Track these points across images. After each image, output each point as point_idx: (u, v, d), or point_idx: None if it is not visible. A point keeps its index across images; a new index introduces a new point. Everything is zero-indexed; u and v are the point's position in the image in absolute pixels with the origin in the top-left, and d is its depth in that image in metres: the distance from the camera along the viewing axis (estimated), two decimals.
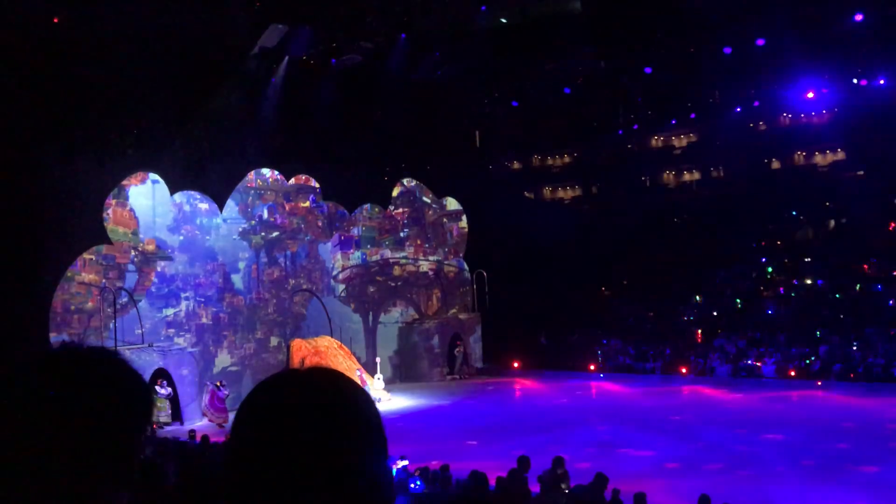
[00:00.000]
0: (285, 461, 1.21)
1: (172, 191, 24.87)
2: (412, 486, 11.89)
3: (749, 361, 26.11)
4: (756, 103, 33.90)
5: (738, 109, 34.38)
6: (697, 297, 30.92)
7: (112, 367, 1.42)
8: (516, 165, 42.61)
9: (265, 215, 27.60)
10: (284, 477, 1.21)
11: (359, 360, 27.67)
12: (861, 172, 34.64)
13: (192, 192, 25.58)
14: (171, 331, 24.64)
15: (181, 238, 25.27)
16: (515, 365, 30.22)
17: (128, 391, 1.41)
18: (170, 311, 24.77)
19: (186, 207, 25.50)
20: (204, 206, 25.90)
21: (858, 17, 25.41)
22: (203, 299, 25.59)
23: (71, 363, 1.39)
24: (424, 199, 31.92)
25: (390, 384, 26.93)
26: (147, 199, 24.57)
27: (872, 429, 18.19)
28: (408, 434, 20.29)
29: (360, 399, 1.32)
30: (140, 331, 23.53)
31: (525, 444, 18.19)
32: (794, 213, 33.98)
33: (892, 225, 30.86)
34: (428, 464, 13.71)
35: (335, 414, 1.26)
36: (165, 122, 23.93)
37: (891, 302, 27.18)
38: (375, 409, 1.34)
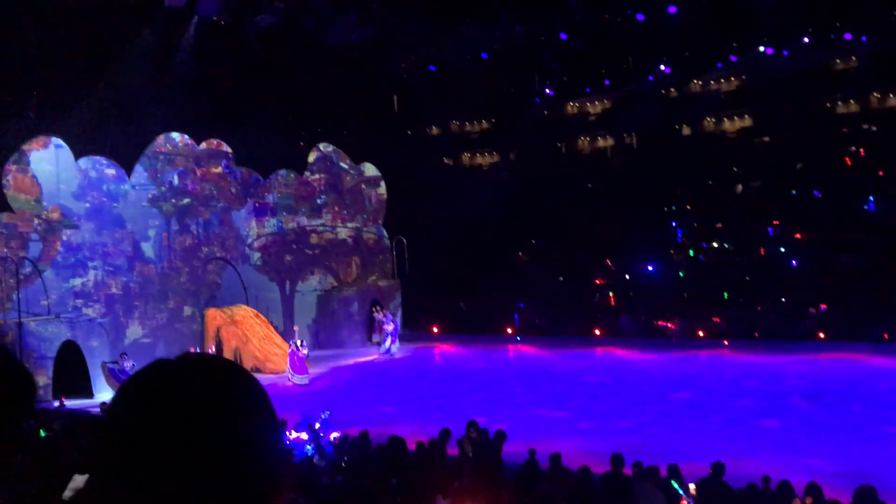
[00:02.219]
0: (157, 443, 1.17)
1: (77, 156, 23.93)
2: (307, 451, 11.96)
3: (659, 322, 26.92)
4: (667, 70, 34.56)
5: (651, 78, 35.02)
6: (609, 261, 31.60)
7: None
8: (435, 131, 42.49)
9: (175, 181, 26.82)
10: (155, 460, 1.17)
11: (276, 328, 27.38)
12: (767, 139, 35.80)
13: (98, 158, 24.65)
14: (79, 301, 23.82)
15: (87, 206, 24.36)
16: (435, 330, 30.43)
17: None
18: (77, 281, 23.94)
19: (92, 173, 24.57)
20: (111, 171, 25.01)
21: None
22: (112, 268, 24.80)
23: None
24: (342, 164, 31.54)
25: (309, 352, 26.68)
26: (50, 164, 23.55)
27: (773, 386, 19.04)
28: (326, 401, 20.26)
29: (237, 381, 1.28)
30: (46, 302, 22.70)
31: (443, 407, 18.43)
32: (703, 177, 34.90)
33: (793, 190, 32.02)
34: (346, 430, 13.74)
35: (209, 397, 1.23)
36: (68, 83, 22.90)
37: (793, 263, 28.32)
38: (258, 391, 1.30)
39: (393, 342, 27.33)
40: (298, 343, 23.58)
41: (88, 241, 24.26)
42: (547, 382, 21.30)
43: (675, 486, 9.35)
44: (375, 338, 28.84)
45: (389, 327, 27.55)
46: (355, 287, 30.71)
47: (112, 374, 22.01)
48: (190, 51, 25.66)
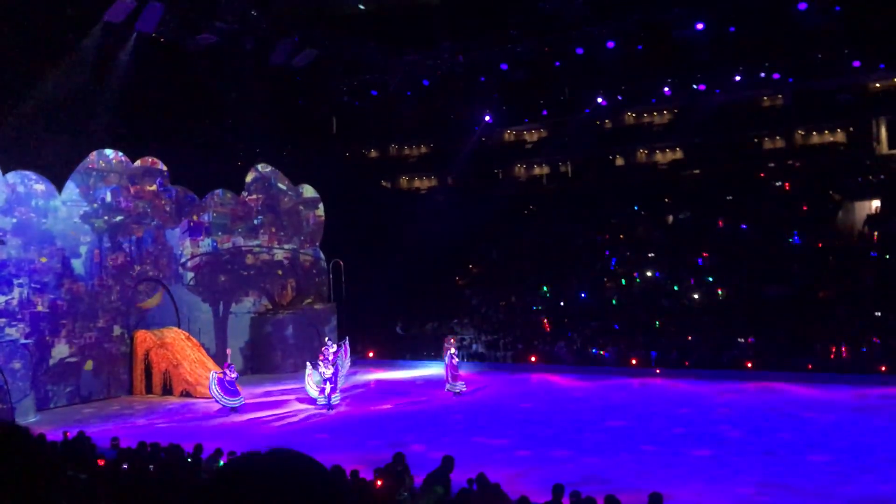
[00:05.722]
0: None
1: (4, 170, 23.20)
2: None
3: (593, 350, 27.29)
4: (604, 102, 35.37)
5: (587, 111, 35.86)
6: (545, 288, 31.96)
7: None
8: (373, 154, 42.55)
9: (108, 198, 26.19)
10: None
11: (207, 351, 26.86)
12: (697, 171, 36.89)
13: (27, 172, 23.95)
14: (2, 320, 22.96)
15: (14, 221, 23.59)
16: (370, 355, 30.23)
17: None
18: (1, 300, 23.09)
19: (20, 188, 23.82)
20: (40, 187, 24.28)
21: (700, 27, 27.03)
22: (39, 286, 24.02)
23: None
24: (280, 185, 31.26)
25: (242, 376, 26.25)
26: None
27: (705, 414, 19.47)
28: (260, 427, 19.95)
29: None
30: None
31: (378, 434, 18.31)
32: (635, 207, 35.70)
33: (721, 222, 33.00)
34: None
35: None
36: None
37: (719, 292, 29.10)
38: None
39: (333, 391, 21.91)
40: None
41: (14, 258, 23.46)
42: (484, 409, 21.36)
43: None
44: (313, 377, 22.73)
45: (328, 371, 21.82)
46: (290, 310, 30.34)
47: (220, 384, 21.97)
48: (127, 67, 25.16)
